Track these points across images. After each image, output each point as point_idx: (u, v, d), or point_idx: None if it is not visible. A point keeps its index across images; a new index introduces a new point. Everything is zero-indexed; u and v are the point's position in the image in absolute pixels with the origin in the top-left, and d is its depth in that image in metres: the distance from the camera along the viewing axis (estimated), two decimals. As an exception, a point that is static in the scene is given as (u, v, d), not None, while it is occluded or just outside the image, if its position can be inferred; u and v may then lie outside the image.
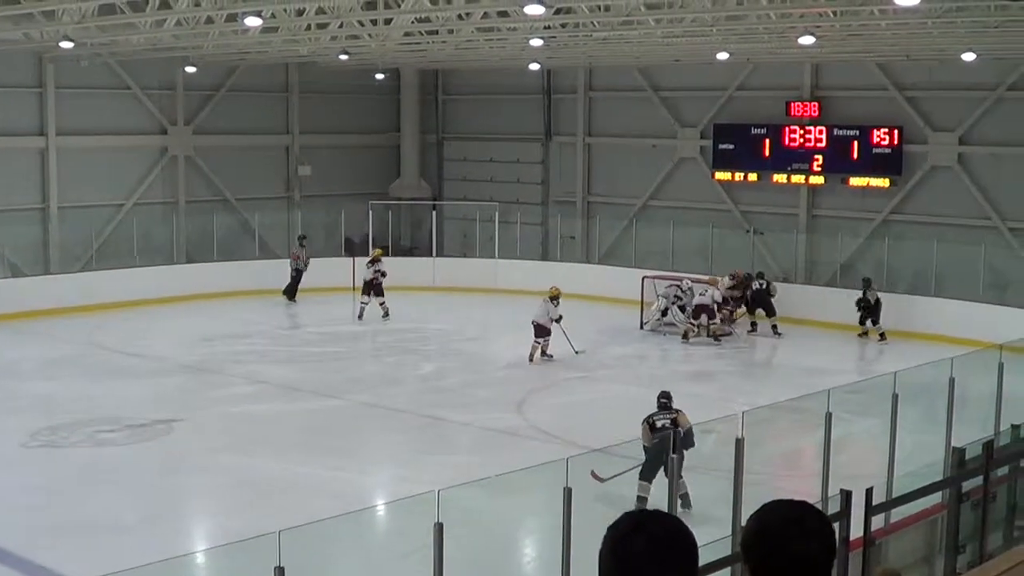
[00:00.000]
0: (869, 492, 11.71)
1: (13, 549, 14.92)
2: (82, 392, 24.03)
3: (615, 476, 16.36)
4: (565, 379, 25.67)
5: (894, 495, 12.86)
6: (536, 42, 26.79)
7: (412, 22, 24.94)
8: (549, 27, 24.91)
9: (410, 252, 39.66)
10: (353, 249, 37.78)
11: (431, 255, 37.86)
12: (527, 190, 40.72)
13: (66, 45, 25.70)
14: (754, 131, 34.64)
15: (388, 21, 24.98)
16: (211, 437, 20.59)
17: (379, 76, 40.57)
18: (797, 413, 19.40)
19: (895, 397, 13.80)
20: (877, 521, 12.16)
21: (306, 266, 34.58)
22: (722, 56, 29.46)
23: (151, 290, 33.17)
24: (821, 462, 13.23)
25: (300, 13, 23.59)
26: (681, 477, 14.11)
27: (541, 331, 26.29)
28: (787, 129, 33.93)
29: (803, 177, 33.87)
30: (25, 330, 29.18)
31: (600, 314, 29.88)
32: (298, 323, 31.85)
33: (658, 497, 14.89)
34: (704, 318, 29.26)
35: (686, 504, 15.06)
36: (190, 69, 35.26)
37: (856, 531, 11.54)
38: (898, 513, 12.89)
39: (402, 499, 15.53)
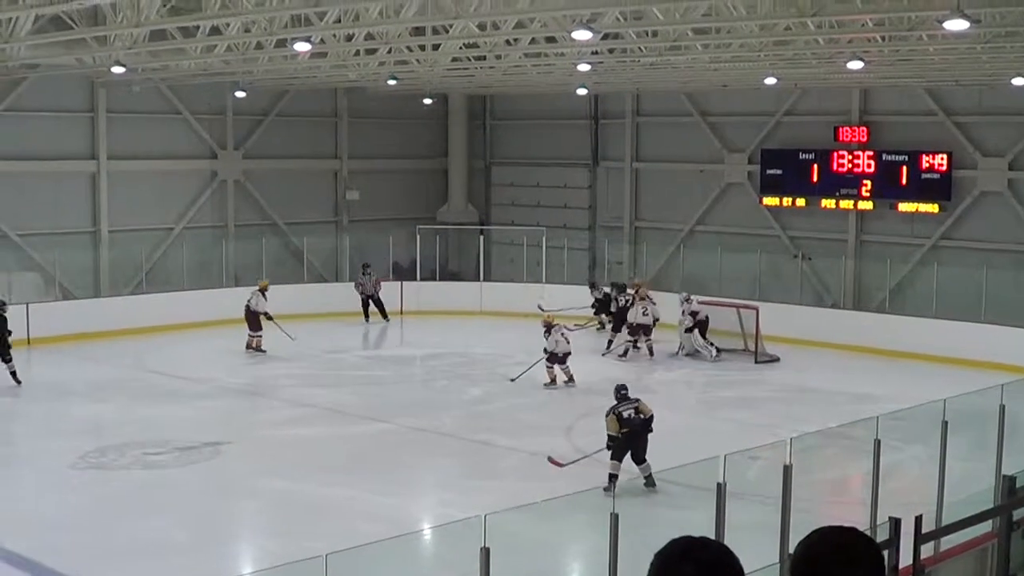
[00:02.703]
0: (918, 520, 11.62)
1: (62, 570, 15.00)
2: (131, 414, 24.17)
3: (574, 462, 18.08)
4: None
5: (944, 523, 12.76)
6: (584, 67, 26.81)
7: (460, 47, 25.03)
8: (597, 52, 24.94)
9: (457, 277, 39.68)
10: (401, 273, 37.91)
11: (478, 280, 37.91)
12: (574, 215, 40.73)
13: (118, 70, 25.92)
14: (802, 156, 34.51)
15: (436, 46, 25.09)
16: (259, 460, 20.66)
17: (427, 101, 40.73)
18: (845, 440, 19.28)
19: (944, 424, 13.69)
20: (926, 549, 12.05)
21: (375, 291, 35.29)
22: (770, 81, 29.42)
23: (200, 313, 33.33)
24: (869, 490, 13.14)
25: (349, 39, 23.71)
26: (646, 460, 17.83)
27: (555, 359, 26.13)
28: (835, 154, 33.79)
29: (852, 202, 33.71)
30: (75, 353, 29.39)
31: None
32: (344, 347, 31.90)
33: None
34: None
35: (651, 483, 17.71)
36: (240, 94, 35.51)
37: (905, 559, 11.45)
38: (948, 542, 12.78)
39: (448, 523, 15.56)
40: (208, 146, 37.65)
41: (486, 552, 9.61)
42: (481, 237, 39.59)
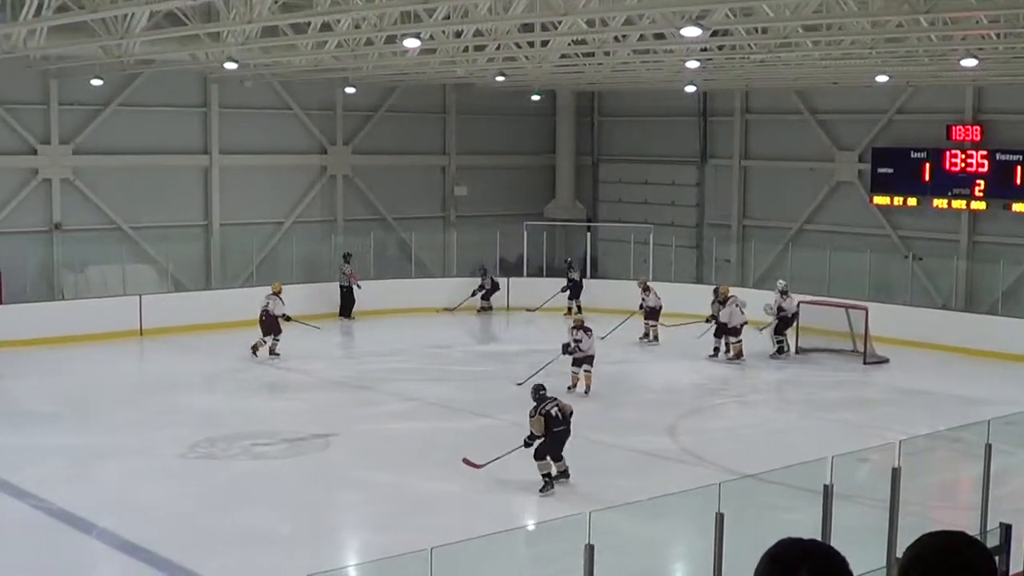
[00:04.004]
0: (1030, 526, 11.45)
1: (172, 558, 15.23)
2: (240, 406, 24.50)
3: (492, 461, 17.88)
4: (717, 403, 25.50)
5: (1056, 529, 12.54)
6: (693, 64, 26.68)
7: (569, 44, 25.04)
8: (706, 49, 24.81)
9: (564, 274, 39.67)
10: (508, 270, 38.00)
11: (585, 276, 37.89)
12: (682, 212, 40.56)
13: (230, 66, 26.25)
14: (914, 155, 34.05)
15: (545, 43, 25.14)
16: (365, 453, 20.82)
17: (535, 97, 40.79)
18: (955, 443, 19.03)
19: (1058, 429, 13.46)
20: (1038, 556, 11.87)
21: (352, 283, 34.60)
22: (881, 79, 29.07)
23: (308, 307, 33.65)
24: (980, 494, 12.96)
25: (458, 35, 23.82)
26: (563, 457, 18.21)
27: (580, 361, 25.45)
28: (948, 153, 33.29)
29: (964, 202, 33.20)
30: (187, 344, 29.82)
31: (755, 338, 29.55)
32: (450, 342, 32.03)
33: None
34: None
35: (565, 475, 18.20)
36: (350, 90, 35.81)
37: (1016, 566, 11.28)
38: (1060, 548, 12.57)
39: (553, 520, 15.57)
40: (318, 141, 38.02)
41: (590, 549, 9.62)
42: (588, 234, 39.56)
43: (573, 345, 24.86)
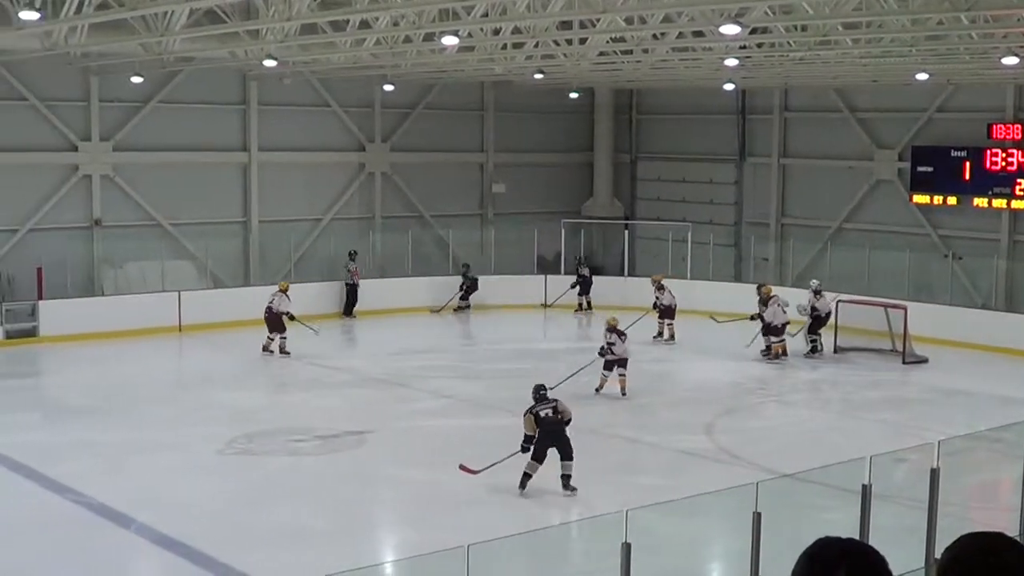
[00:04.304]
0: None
1: (209, 553, 15.29)
2: (277, 402, 24.62)
3: (488, 467, 17.58)
4: (755, 402, 25.42)
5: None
6: (731, 62, 26.59)
7: (607, 41, 25.00)
8: (745, 47, 24.73)
9: (601, 271, 39.64)
10: (545, 267, 38.00)
11: (623, 275, 37.85)
12: (720, 211, 40.45)
13: (269, 63, 26.35)
14: (954, 154, 33.83)
15: (583, 40, 25.12)
16: (400, 450, 20.85)
17: (573, 95, 40.76)
18: (994, 444, 18.90)
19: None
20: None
21: (356, 281, 34.55)
22: (921, 77, 28.89)
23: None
24: (1019, 496, 12.87)
25: (496, 32, 23.83)
26: (572, 460, 17.64)
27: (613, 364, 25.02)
28: (988, 152, 33.05)
29: (1005, 201, 32.95)
30: (225, 341, 29.93)
31: (794, 337, 29.44)
32: (486, 339, 32.05)
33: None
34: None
35: (567, 486, 17.61)
36: (388, 87, 35.86)
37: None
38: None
39: (590, 518, 15.57)
40: (356, 139, 38.10)
41: (627, 548, 9.60)
42: (626, 232, 39.50)
43: (606, 348, 24.72)
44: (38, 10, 19.45)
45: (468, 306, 35.77)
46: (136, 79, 31.56)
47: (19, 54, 27.31)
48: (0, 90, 31.50)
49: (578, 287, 36.01)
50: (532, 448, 17.69)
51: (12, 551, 15.54)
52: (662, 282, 31.52)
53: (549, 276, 36.91)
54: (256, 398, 25.11)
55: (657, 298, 31.26)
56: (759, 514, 10.49)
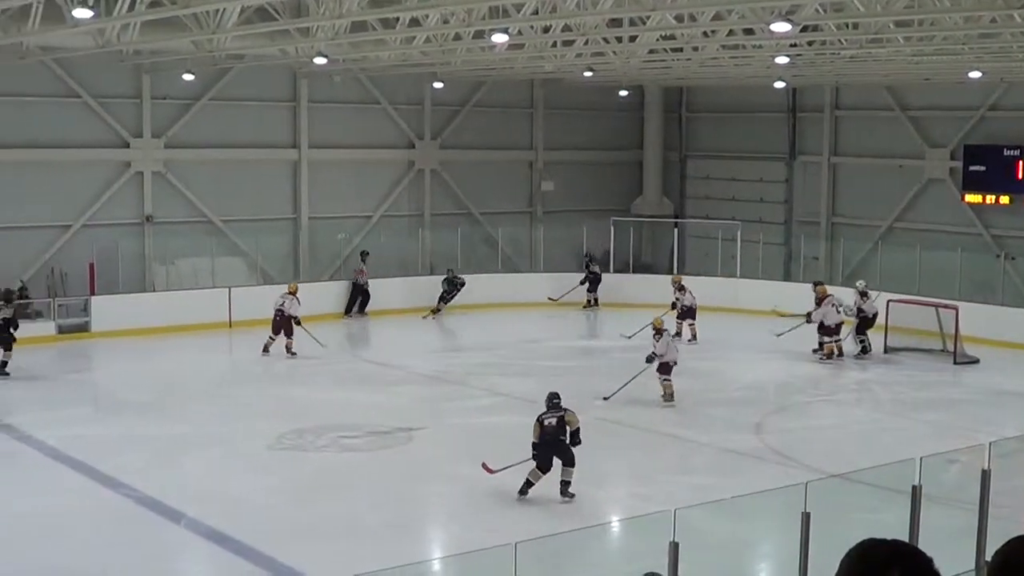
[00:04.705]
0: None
1: (259, 548, 15.38)
2: (327, 398, 24.70)
3: (506, 468, 17.45)
4: (805, 402, 25.30)
5: None
6: (782, 60, 26.49)
7: (657, 39, 24.95)
8: (795, 45, 24.64)
9: (650, 269, 39.58)
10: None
11: (672, 273, 37.77)
12: (770, 209, 40.29)
13: (319, 61, 26.46)
14: (1007, 152, 33.57)
15: (633, 38, 25.08)
16: (451, 447, 20.89)
17: (623, 93, 40.72)
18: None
19: None
20: None
21: (366, 281, 34.44)
22: (974, 75, 28.70)
23: (395, 301, 33.88)
24: (1072, 497, 12.77)
25: (546, 30, 23.83)
26: (573, 467, 17.33)
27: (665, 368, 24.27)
28: (1042, 151, 32.83)
29: (1058, 201, 32.72)
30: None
31: (844, 339, 29.30)
32: (536, 337, 32.04)
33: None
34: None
35: (566, 493, 17.29)
36: (438, 85, 35.93)
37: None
38: None
39: (638, 516, 15.55)
40: (406, 136, 38.20)
41: (675, 546, 9.59)
42: (675, 230, 39.42)
43: (653, 352, 24.38)
44: (91, 8, 19.60)
45: (439, 310, 34.58)
46: (188, 76, 31.77)
47: (73, 51, 27.52)
48: (54, 87, 31.79)
49: (587, 284, 36.06)
50: (536, 457, 17.52)
51: (63, 544, 15.68)
52: (682, 282, 31.35)
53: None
54: (307, 393, 25.22)
55: (677, 299, 31.09)
56: (808, 514, 10.46)
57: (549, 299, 35.49)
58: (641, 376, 23.84)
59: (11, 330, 25.79)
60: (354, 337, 32.16)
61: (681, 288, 31.09)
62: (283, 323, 28.53)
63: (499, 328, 32.59)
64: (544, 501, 17.39)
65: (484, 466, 17.97)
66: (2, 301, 26.06)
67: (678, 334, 30.56)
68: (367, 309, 34.32)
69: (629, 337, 29.18)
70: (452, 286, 34.41)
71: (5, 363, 25.69)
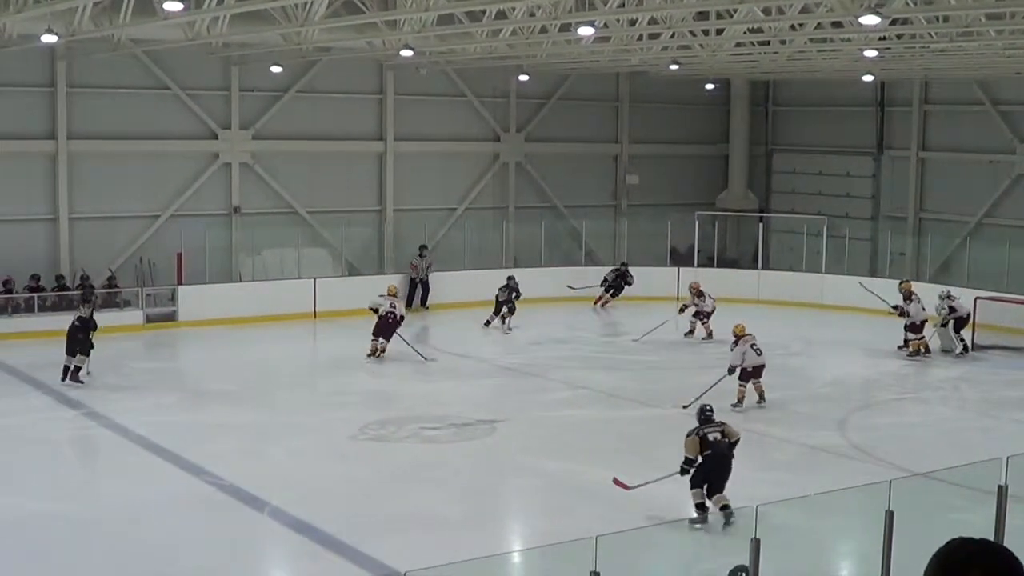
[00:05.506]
0: None
1: (342, 538, 15.48)
2: (410, 389, 24.84)
3: (641, 485, 16.48)
4: (889, 399, 25.06)
5: None
6: (870, 53, 26.25)
7: (744, 32, 24.82)
8: (884, 38, 24.39)
9: (735, 264, 39.34)
10: (678, 259, 37.81)
11: (756, 268, 37.56)
12: (857, 204, 39.92)
13: (406, 53, 26.56)
14: (1100, 148, 33.09)
15: (720, 31, 24.96)
16: (532, 440, 20.88)
17: (709, 86, 40.52)
18: None
19: None
20: None
21: (427, 275, 34.32)
22: (1068, 69, 28.31)
23: (480, 293, 33.90)
24: None
25: (632, 23, 23.76)
26: (723, 491, 15.72)
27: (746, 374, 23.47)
28: None
29: None
30: (358, 327, 30.15)
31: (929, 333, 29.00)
32: (619, 331, 31.99)
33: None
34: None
35: (728, 516, 15.62)
36: (523, 77, 35.94)
37: None
38: None
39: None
40: (491, 129, 38.28)
41: (756, 543, 9.55)
42: (760, 224, 39.18)
43: (731, 364, 23.50)
44: (182, 1, 19.82)
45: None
46: (276, 68, 32.07)
47: (163, 44, 27.86)
48: (144, 79, 32.19)
49: (612, 289, 35.22)
50: (692, 471, 16.15)
51: (149, 531, 15.89)
52: (700, 288, 30.60)
53: (682, 268, 36.63)
54: (390, 385, 25.39)
55: (697, 305, 30.38)
56: (892, 513, 10.37)
57: (569, 287, 35.03)
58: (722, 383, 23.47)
59: (89, 334, 24.13)
60: (427, 330, 32.19)
61: (700, 294, 30.43)
62: (394, 326, 27.48)
63: (580, 321, 32.58)
64: (626, 495, 17.35)
65: (617, 481, 16.90)
66: (81, 300, 26.19)
67: (691, 331, 30.26)
68: (428, 303, 34.27)
69: (636, 340, 29.45)
70: (509, 291, 31.93)
71: (79, 368, 23.99)
